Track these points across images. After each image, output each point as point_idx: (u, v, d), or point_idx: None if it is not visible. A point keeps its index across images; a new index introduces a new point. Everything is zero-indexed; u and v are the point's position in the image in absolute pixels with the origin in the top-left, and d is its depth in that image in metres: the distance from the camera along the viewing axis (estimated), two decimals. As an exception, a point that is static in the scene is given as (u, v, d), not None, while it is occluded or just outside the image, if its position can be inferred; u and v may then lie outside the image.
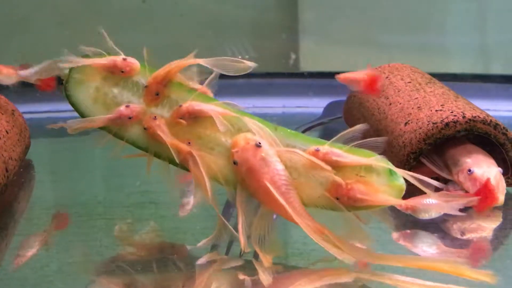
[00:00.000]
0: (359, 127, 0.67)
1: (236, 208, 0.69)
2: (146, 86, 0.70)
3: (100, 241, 0.74)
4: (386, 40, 1.48)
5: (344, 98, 1.16)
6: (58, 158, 1.07)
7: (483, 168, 0.81)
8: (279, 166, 0.66)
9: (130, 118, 0.69)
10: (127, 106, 0.70)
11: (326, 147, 0.67)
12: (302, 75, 1.44)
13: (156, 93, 0.70)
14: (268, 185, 0.65)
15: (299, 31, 1.48)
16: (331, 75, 1.48)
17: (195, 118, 0.70)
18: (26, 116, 1.02)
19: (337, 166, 0.66)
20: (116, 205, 0.85)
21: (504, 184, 0.81)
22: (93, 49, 0.72)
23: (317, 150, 0.67)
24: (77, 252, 0.71)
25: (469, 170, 0.81)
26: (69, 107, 0.73)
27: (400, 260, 0.66)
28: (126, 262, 0.69)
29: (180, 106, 0.70)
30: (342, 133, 0.67)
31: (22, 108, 1.02)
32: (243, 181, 0.68)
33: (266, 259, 0.66)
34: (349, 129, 0.67)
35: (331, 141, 0.67)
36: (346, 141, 0.67)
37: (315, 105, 1.31)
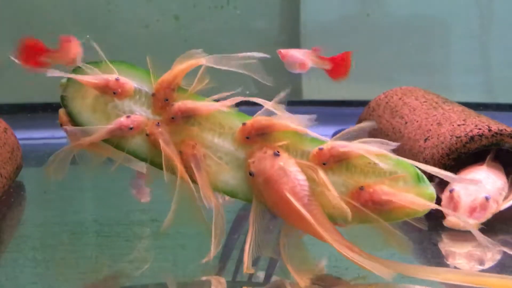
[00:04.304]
0: (366, 124, 0.62)
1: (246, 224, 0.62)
2: (153, 94, 0.65)
3: (95, 258, 0.67)
4: (390, 78, 1.46)
5: (351, 125, 1.11)
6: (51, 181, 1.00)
7: (469, 190, 0.75)
8: (300, 176, 0.60)
9: (131, 128, 0.64)
10: (127, 117, 0.64)
11: (329, 143, 0.62)
12: (306, 103, 1.41)
13: (165, 99, 0.65)
14: (289, 196, 0.59)
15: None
16: (337, 103, 1.45)
17: (202, 124, 0.65)
18: (21, 142, 0.97)
19: (346, 158, 0.61)
20: (114, 223, 0.78)
21: (485, 214, 0.74)
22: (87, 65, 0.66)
23: (321, 149, 0.61)
24: (69, 270, 0.65)
25: (451, 189, 0.76)
26: (65, 134, 0.67)
27: (440, 274, 0.60)
28: (125, 280, 0.62)
29: (172, 105, 0.65)
30: (347, 130, 0.62)
31: (17, 135, 0.96)
32: (260, 194, 0.61)
33: (302, 280, 0.59)
34: (355, 126, 0.62)
35: (334, 137, 0.63)
36: (352, 139, 0.62)
37: (321, 133, 1.26)
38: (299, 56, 0.84)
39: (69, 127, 0.65)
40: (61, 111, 0.67)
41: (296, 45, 1.46)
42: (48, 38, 0.72)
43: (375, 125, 0.62)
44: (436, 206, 0.60)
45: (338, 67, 0.85)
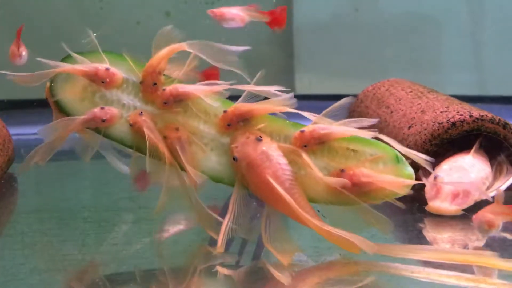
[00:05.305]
0: (345, 100, 0.63)
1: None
2: (141, 81, 0.66)
3: (81, 241, 0.69)
4: (382, 75, 1.47)
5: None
6: (43, 173, 1.01)
7: (452, 177, 0.76)
8: (282, 160, 0.62)
9: (103, 120, 0.65)
10: (101, 108, 0.66)
11: (310, 125, 0.63)
12: (299, 97, 1.42)
13: (154, 83, 0.66)
14: (271, 180, 0.61)
15: (295, 68, 1.47)
16: (329, 97, 1.46)
17: (188, 111, 0.66)
18: (14, 137, 0.98)
19: (327, 140, 0.62)
20: (103, 210, 0.80)
21: (467, 201, 0.75)
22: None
23: (303, 132, 0.63)
24: (55, 252, 0.66)
25: (435, 176, 0.76)
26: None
27: (418, 252, 0.62)
28: (109, 261, 0.63)
29: (164, 89, 0.66)
30: (327, 109, 0.63)
31: (10, 130, 0.98)
32: (243, 178, 0.63)
33: (284, 259, 0.61)
34: (334, 104, 0.63)
35: (317, 117, 0.63)
36: (333, 117, 0.63)
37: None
38: (236, 12, 0.89)
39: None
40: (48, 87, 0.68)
41: (289, 42, 1.48)
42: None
43: (353, 99, 0.63)
44: (414, 182, 0.61)
45: (276, 19, 0.91)
